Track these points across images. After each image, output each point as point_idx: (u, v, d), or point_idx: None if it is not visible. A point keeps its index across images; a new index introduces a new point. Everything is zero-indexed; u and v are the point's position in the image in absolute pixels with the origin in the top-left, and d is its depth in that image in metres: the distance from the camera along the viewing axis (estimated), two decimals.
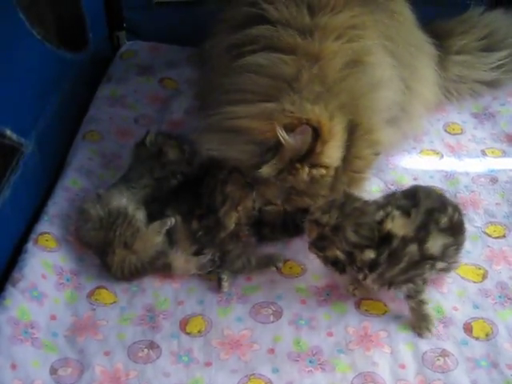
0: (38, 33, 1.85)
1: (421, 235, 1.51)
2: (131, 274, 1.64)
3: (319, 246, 1.53)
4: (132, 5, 2.42)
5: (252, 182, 1.62)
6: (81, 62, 2.19)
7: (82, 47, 2.24)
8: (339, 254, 1.50)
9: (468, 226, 1.67)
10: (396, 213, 1.52)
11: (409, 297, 1.55)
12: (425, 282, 1.54)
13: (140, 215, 1.67)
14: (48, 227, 1.73)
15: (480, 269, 1.68)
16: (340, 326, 1.55)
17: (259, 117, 1.54)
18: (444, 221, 1.53)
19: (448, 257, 1.56)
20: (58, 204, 1.80)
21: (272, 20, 1.65)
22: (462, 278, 1.66)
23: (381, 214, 1.52)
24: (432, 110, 2.13)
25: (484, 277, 1.67)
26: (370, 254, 1.49)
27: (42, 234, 1.71)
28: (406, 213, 1.52)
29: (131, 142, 1.99)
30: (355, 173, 1.62)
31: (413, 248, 1.50)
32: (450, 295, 1.62)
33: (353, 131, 1.56)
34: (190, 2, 2.42)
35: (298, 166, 1.52)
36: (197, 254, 1.65)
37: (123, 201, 1.68)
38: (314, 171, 1.53)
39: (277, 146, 1.52)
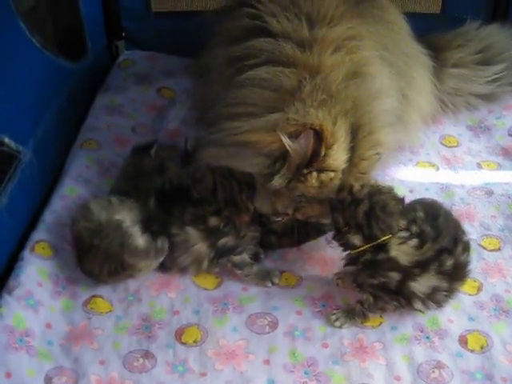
0: (38, 41, 1.87)
1: (414, 271, 1.50)
2: (109, 275, 1.64)
3: (333, 204, 1.53)
4: (131, 14, 2.44)
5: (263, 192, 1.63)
6: (80, 70, 2.20)
7: (81, 56, 2.25)
8: (339, 220, 1.52)
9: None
10: (413, 241, 1.51)
11: (361, 302, 1.56)
12: (384, 310, 1.56)
13: (136, 231, 1.66)
14: (45, 235, 1.73)
15: (475, 281, 1.69)
16: (335, 338, 1.56)
17: (264, 129, 1.54)
18: (448, 264, 1.52)
19: (433, 301, 1.54)
20: (54, 212, 1.80)
21: (273, 33, 1.67)
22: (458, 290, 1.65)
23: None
24: (427, 119, 2.14)
25: (479, 289, 1.67)
26: (355, 240, 1.51)
27: (38, 241, 1.71)
28: (421, 244, 1.51)
29: (128, 150, 2.00)
30: (361, 174, 1.62)
31: (395, 276, 1.50)
32: (445, 307, 1.61)
33: (356, 134, 1.58)
34: (188, 12, 2.43)
35: (305, 171, 1.53)
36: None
37: (123, 213, 1.67)
38: (323, 176, 1.54)
39: (283, 156, 1.53)
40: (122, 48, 2.49)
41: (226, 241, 1.66)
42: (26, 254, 1.67)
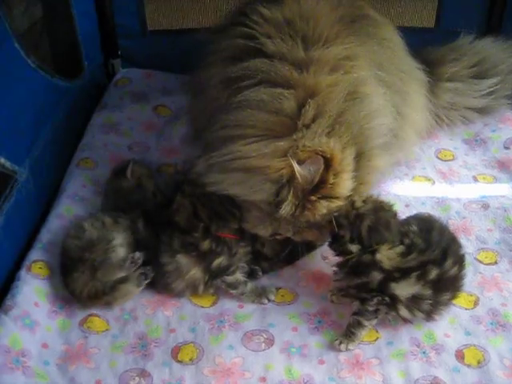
0: (33, 62, 1.88)
1: (395, 274, 1.52)
2: (89, 297, 1.65)
3: (338, 220, 1.55)
4: (127, 33, 2.45)
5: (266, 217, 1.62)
6: (76, 89, 2.22)
7: (77, 75, 2.27)
8: (347, 235, 1.55)
9: None
10: (400, 248, 1.54)
11: (354, 312, 1.57)
12: (376, 313, 1.55)
13: (121, 252, 1.67)
14: (41, 255, 1.74)
15: (471, 295, 1.68)
16: (332, 354, 1.55)
17: (273, 154, 1.54)
18: (433, 274, 1.53)
19: (419, 309, 1.55)
20: (51, 231, 1.81)
21: (268, 53, 1.67)
22: (454, 304, 1.65)
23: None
24: (423, 135, 2.14)
25: (476, 303, 1.67)
26: (354, 248, 1.54)
27: (35, 261, 1.71)
28: (407, 253, 1.53)
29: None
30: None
31: (377, 275, 1.52)
32: (441, 322, 1.61)
33: (358, 161, 1.59)
34: (184, 30, 2.46)
35: (313, 198, 1.53)
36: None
37: (113, 233, 1.68)
38: (331, 203, 1.54)
39: (289, 182, 1.52)
40: (118, 66, 2.51)
41: (219, 261, 1.66)
42: (23, 273, 1.67)
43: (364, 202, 1.57)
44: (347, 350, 1.56)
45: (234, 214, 1.64)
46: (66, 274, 1.66)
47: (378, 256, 1.52)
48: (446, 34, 2.35)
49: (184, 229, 1.65)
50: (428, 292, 1.53)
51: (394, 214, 1.60)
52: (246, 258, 1.72)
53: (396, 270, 1.52)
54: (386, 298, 1.53)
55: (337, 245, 1.58)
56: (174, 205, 1.66)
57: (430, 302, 1.54)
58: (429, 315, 1.57)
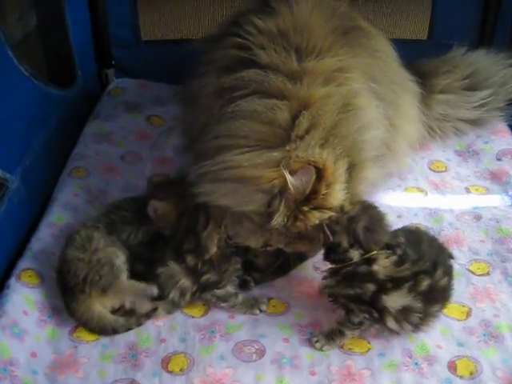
0: (26, 70, 1.88)
1: (387, 284, 1.51)
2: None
3: (332, 228, 1.53)
4: (121, 43, 2.46)
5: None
6: (69, 98, 2.22)
7: (71, 84, 2.27)
8: (344, 241, 1.53)
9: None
10: (394, 257, 1.53)
11: (338, 322, 1.57)
12: (360, 325, 1.55)
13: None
14: (31, 263, 1.73)
15: (464, 306, 1.68)
16: (323, 365, 1.54)
17: (265, 164, 1.53)
18: (424, 284, 1.52)
19: (407, 321, 1.53)
20: (42, 240, 1.80)
21: (261, 64, 1.67)
22: (446, 315, 1.65)
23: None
24: (416, 146, 2.15)
25: (468, 315, 1.66)
26: (355, 255, 1.53)
27: (24, 269, 1.70)
28: (401, 262, 1.53)
29: (117, 178, 2.01)
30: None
31: (371, 287, 1.51)
32: (433, 333, 1.61)
33: (350, 172, 1.59)
34: (178, 41, 2.47)
35: (305, 209, 1.52)
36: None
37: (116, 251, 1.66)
38: (324, 215, 1.53)
39: (281, 192, 1.52)
40: (112, 76, 2.51)
41: (207, 277, 1.65)
42: (12, 282, 1.66)
43: (352, 204, 1.56)
44: (321, 349, 1.57)
45: (208, 248, 1.62)
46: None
47: (375, 267, 1.51)
48: (439, 46, 2.36)
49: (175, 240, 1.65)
50: (419, 305, 1.51)
51: (381, 210, 1.60)
52: (237, 273, 1.70)
53: (389, 279, 1.51)
54: (375, 314, 1.52)
55: (335, 254, 1.55)
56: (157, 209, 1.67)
57: (420, 315, 1.53)
58: (417, 327, 1.56)
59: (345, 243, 1.53)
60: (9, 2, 2.06)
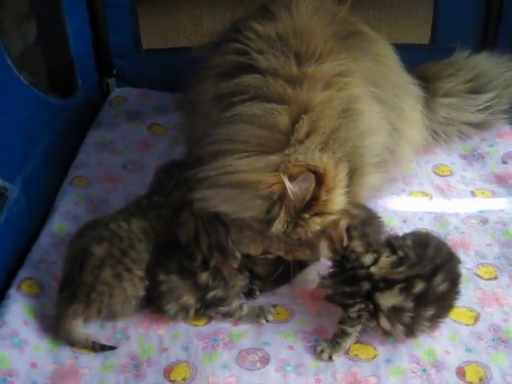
0: (26, 78, 1.87)
1: (380, 284, 1.51)
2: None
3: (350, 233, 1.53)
4: (121, 52, 2.46)
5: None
6: (70, 107, 2.21)
7: (72, 93, 2.27)
8: (358, 247, 1.53)
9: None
10: (392, 257, 1.53)
11: (339, 322, 1.55)
12: (359, 319, 1.53)
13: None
14: (32, 273, 1.71)
15: (472, 311, 1.65)
16: (328, 372, 1.51)
17: (264, 169, 1.52)
18: (418, 288, 1.51)
19: (399, 321, 1.52)
20: (42, 249, 1.78)
21: (260, 69, 1.65)
22: (454, 320, 1.62)
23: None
24: (419, 151, 2.13)
25: (476, 319, 1.63)
26: (369, 260, 1.53)
27: (25, 279, 1.68)
28: (398, 264, 1.53)
29: (119, 187, 1.99)
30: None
31: (366, 285, 1.51)
32: (441, 339, 1.58)
33: (351, 177, 1.58)
34: (178, 49, 2.46)
35: (305, 216, 1.50)
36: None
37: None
38: (325, 220, 1.52)
39: (281, 199, 1.50)
40: (113, 85, 2.51)
41: (214, 293, 1.62)
42: (13, 292, 1.64)
43: (356, 207, 1.57)
44: (329, 359, 1.53)
45: (236, 255, 1.59)
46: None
47: (373, 269, 1.51)
48: (442, 50, 2.35)
49: (183, 250, 1.61)
50: (409, 305, 1.50)
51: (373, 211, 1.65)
52: (244, 290, 1.68)
53: (382, 280, 1.51)
54: (370, 306, 1.51)
55: (349, 263, 1.54)
56: (179, 218, 1.62)
57: (411, 315, 1.51)
58: (409, 329, 1.53)
59: (360, 249, 1.52)
60: (9, 12, 2.06)
